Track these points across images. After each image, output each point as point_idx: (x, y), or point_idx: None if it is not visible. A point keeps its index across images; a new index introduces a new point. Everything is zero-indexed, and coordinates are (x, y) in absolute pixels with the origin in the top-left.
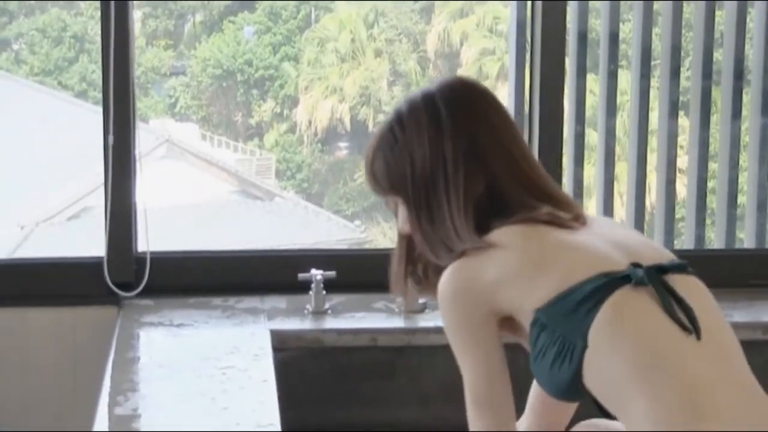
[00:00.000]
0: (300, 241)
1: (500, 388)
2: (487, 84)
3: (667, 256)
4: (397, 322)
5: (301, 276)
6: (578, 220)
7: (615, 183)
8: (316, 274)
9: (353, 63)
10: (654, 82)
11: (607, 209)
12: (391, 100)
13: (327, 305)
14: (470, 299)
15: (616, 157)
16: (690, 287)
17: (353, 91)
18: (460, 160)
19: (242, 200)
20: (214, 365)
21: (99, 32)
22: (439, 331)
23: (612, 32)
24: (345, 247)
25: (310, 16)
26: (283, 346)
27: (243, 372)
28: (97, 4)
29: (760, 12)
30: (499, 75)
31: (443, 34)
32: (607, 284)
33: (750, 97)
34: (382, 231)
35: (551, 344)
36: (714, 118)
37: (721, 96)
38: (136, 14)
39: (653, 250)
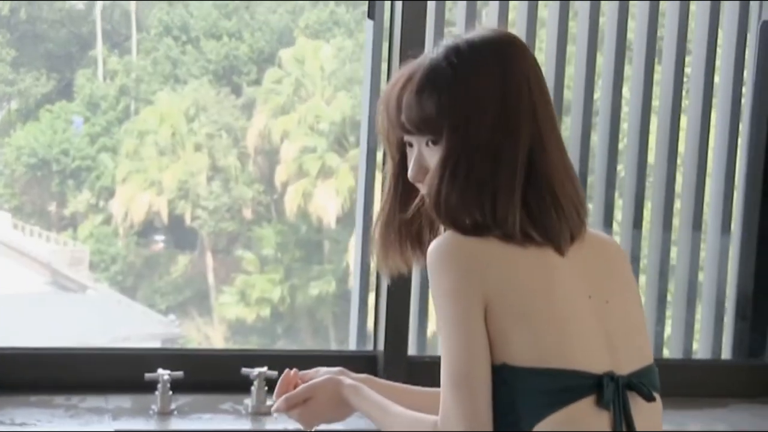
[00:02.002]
0: (113, 335)
1: (482, 371)
2: (306, 182)
3: (645, 358)
4: (245, 424)
5: (148, 376)
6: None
7: None
8: (163, 373)
9: (172, 156)
10: None
11: None
12: (210, 194)
13: (173, 406)
14: (471, 277)
15: None
16: (647, 415)
17: (172, 184)
18: (523, 117)
19: (54, 291)
20: None
21: None
22: None
23: None
24: (182, 346)
25: (129, 107)
26: None
27: None
28: None
29: (604, 123)
30: (320, 173)
31: (264, 130)
32: (576, 389)
33: (593, 209)
34: (196, 326)
35: (498, 402)
36: None
37: None
38: None
39: (636, 347)
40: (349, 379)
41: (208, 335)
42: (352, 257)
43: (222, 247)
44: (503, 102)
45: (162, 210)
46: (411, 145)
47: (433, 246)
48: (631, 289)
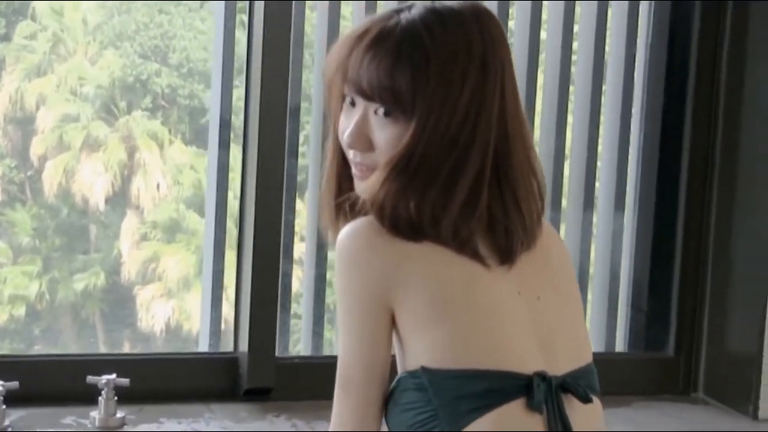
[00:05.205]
0: None
1: (371, 374)
2: (68, 156)
3: (582, 358)
4: None
5: None
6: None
7: None
8: None
9: None
10: None
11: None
12: None
13: (7, 421)
14: (379, 273)
15: None
16: (585, 417)
17: None
18: (495, 102)
19: None
20: None
21: None
22: None
23: None
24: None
25: None
26: None
27: None
28: None
29: None
30: (84, 145)
31: (16, 95)
32: (503, 390)
33: None
34: None
35: (419, 409)
36: None
37: None
38: None
39: (572, 346)
40: None
41: None
42: (125, 244)
43: None
44: (482, 85)
45: None
46: (353, 104)
47: (344, 233)
48: (568, 284)
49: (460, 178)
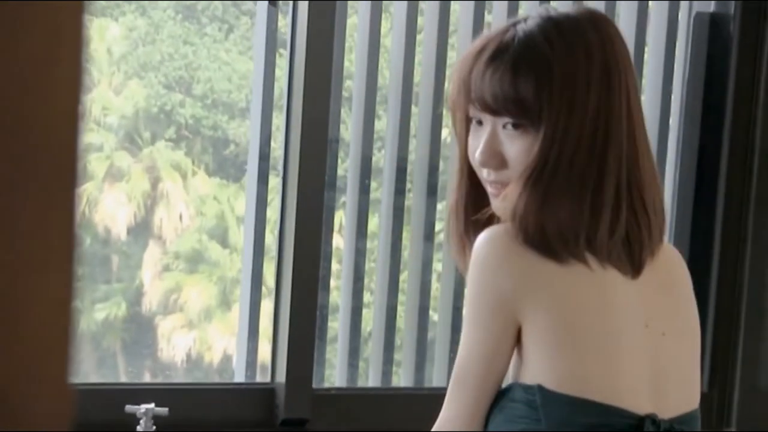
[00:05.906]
0: None
1: (492, 375)
2: (91, 186)
3: (691, 402)
4: None
5: None
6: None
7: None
8: None
9: None
10: None
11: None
12: None
13: None
14: (508, 284)
15: None
16: None
17: None
18: (622, 108)
19: None
20: None
21: None
22: None
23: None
24: None
25: None
26: None
27: None
28: None
29: None
30: (107, 175)
31: None
32: (614, 426)
33: None
34: None
35: (527, 425)
36: None
37: None
38: None
39: (685, 389)
40: None
41: None
42: (147, 274)
43: None
44: (607, 89)
45: None
46: (480, 123)
47: (481, 238)
48: (691, 319)
49: (603, 189)
